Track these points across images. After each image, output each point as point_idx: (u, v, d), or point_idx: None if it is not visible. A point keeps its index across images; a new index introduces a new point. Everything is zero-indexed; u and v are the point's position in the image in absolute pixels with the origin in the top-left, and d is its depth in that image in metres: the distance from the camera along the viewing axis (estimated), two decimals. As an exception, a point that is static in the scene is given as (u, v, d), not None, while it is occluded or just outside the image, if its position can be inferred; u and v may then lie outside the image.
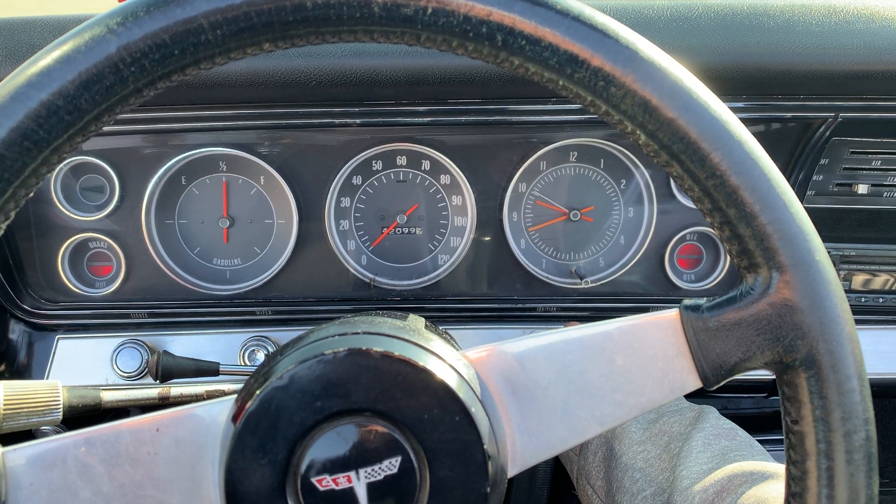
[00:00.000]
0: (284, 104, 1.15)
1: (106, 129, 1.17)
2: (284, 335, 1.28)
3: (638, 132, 0.55)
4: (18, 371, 1.25)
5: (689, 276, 1.39)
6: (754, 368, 0.56)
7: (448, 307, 1.33)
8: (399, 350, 0.55)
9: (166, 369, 0.92)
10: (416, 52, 1.06)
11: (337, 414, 0.54)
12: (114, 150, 1.22)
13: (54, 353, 1.26)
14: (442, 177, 1.31)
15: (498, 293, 1.34)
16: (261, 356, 1.22)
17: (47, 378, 1.23)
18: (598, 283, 1.34)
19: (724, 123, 0.53)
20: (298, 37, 0.52)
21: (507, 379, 0.59)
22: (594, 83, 0.53)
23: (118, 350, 1.23)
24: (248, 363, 1.22)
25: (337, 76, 1.05)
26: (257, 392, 0.54)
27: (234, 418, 0.55)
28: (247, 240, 1.31)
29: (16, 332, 1.27)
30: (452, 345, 0.62)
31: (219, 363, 0.98)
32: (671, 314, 0.58)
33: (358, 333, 0.57)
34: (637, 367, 0.58)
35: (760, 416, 1.77)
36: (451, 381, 0.55)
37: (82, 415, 0.72)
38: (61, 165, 1.22)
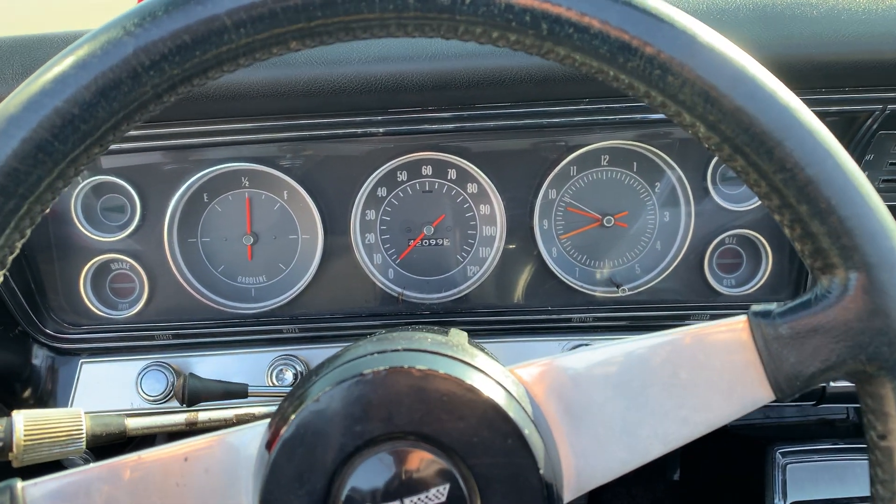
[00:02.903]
0: (306, 115, 1.12)
1: (125, 145, 1.15)
2: (312, 353, 1.24)
3: (697, 124, 0.50)
4: (42, 397, 1.23)
5: (728, 280, 1.33)
6: (834, 379, 0.51)
7: (479, 320, 1.29)
8: (443, 368, 0.50)
9: (193, 393, 0.88)
10: (443, 55, 1.02)
11: (379, 438, 0.50)
12: (134, 168, 1.20)
13: (78, 377, 1.23)
14: (469, 185, 1.27)
15: (530, 304, 1.30)
16: (289, 375, 1.18)
17: (72, 404, 1.20)
18: (636, 291, 1.28)
19: (794, 112, 0.49)
20: (327, 33, 0.49)
21: (560, 396, 0.54)
22: (649, 72, 0.49)
23: (143, 373, 1.20)
24: (276, 383, 1.18)
25: (361, 83, 1.02)
26: (292, 416, 0.50)
27: (269, 445, 0.51)
28: (271, 256, 1.28)
29: (39, 357, 1.24)
30: (498, 360, 0.57)
31: (247, 385, 0.94)
32: (738, 322, 0.53)
33: (398, 350, 0.53)
34: (703, 380, 0.53)
35: (804, 426, 1.70)
36: (502, 400, 0.50)
37: (107, 444, 0.68)
38: (81, 185, 1.19)
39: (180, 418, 0.70)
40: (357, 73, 1.01)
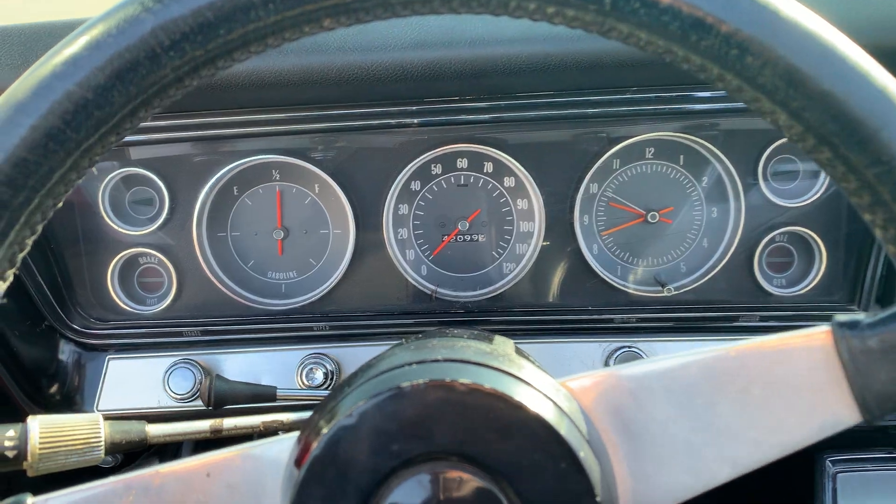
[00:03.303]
0: (339, 105, 1.08)
1: (153, 136, 1.12)
2: (343, 352, 1.20)
3: (778, 112, 0.45)
4: (69, 394, 1.21)
5: (779, 280, 1.26)
6: None
7: (515, 319, 1.24)
8: (489, 381, 0.46)
9: (219, 395, 0.85)
10: (483, 41, 0.97)
11: (417, 459, 0.45)
12: (162, 160, 1.17)
13: (105, 374, 1.21)
14: (506, 179, 1.22)
15: (570, 303, 1.24)
16: (319, 375, 1.14)
17: (98, 401, 1.18)
18: (681, 291, 1.22)
19: (892, 97, 0.43)
20: (364, 10, 0.44)
21: (617, 413, 0.49)
22: (725, 52, 0.43)
23: (170, 371, 1.17)
24: (306, 383, 1.14)
25: (397, 71, 0.97)
26: (323, 431, 0.45)
27: (298, 462, 0.47)
28: (302, 251, 1.24)
29: (65, 352, 1.22)
30: (547, 372, 0.52)
31: (275, 388, 0.90)
32: (819, 333, 0.48)
33: (438, 361, 0.48)
34: (778, 397, 0.48)
35: (856, 431, 1.62)
36: (554, 418, 0.45)
37: (126, 451, 0.65)
38: (109, 177, 1.17)
39: (204, 425, 0.66)
40: (393, 60, 0.97)
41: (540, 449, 0.44)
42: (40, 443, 0.54)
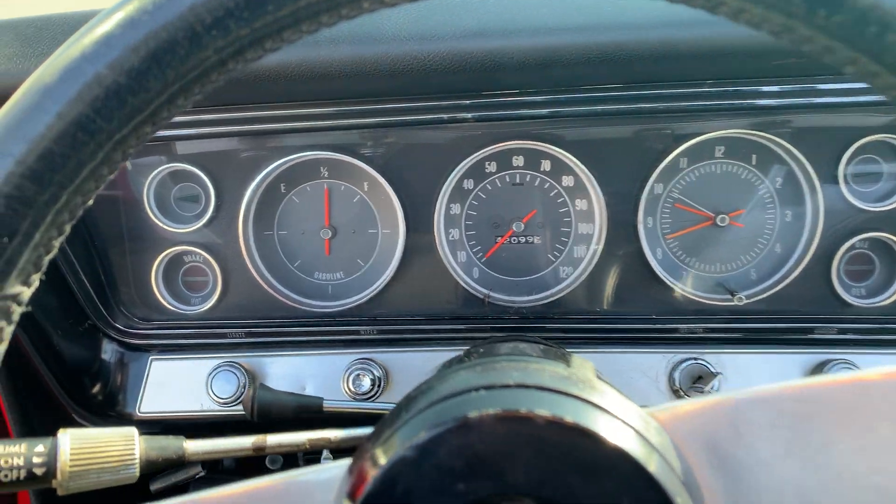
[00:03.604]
0: (390, 99, 1.03)
1: (200, 131, 1.08)
2: (391, 357, 1.15)
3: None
4: (111, 393, 1.18)
5: (858, 290, 1.17)
6: None
7: (572, 327, 1.17)
8: (570, 413, 0.39)
9: (263, 406, 0.80)
10: (548, 29, 0.90)
11: (487, 500, 0.39)
12: (208, 156, 1.13)
13: (147, 374, 1.18)
14: (564, 178, 1.15)
15: (631, 311, 1.17)
16: (366, 382, 1.10)
17: (140, 402, 1.15)
18: (752, 300, 1.14)
19: None
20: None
21: (715, 450, 0.42)
22: (860, 30, 0.36)
23: (214, 373, 1.13)
24: (352, 390, 1.10)
25: (454, 62, 0.91)
26: (380, 463, 0.40)
27: (351, 496, 0.41)
28: (350, 252, 1.19)
29: (108, 352, 1.19)
30: (631, 400, 0.46)
31: (322, 399, 0.85)
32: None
33: (509, 386, 0.42)
34: (911, 439, 0.40)
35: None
36: (644, 456, 0.39)
37: (162, 469, 0.60)
38: (154, 173, 1.13)
39: (247, 442, 0.62)
40: (450, 50, 0.91)
41: (629, 493, 0.38)
42: (71, 459, 0.50)
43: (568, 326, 1.17)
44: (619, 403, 0.42)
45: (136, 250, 1.18)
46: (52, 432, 0.56)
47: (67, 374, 1.14)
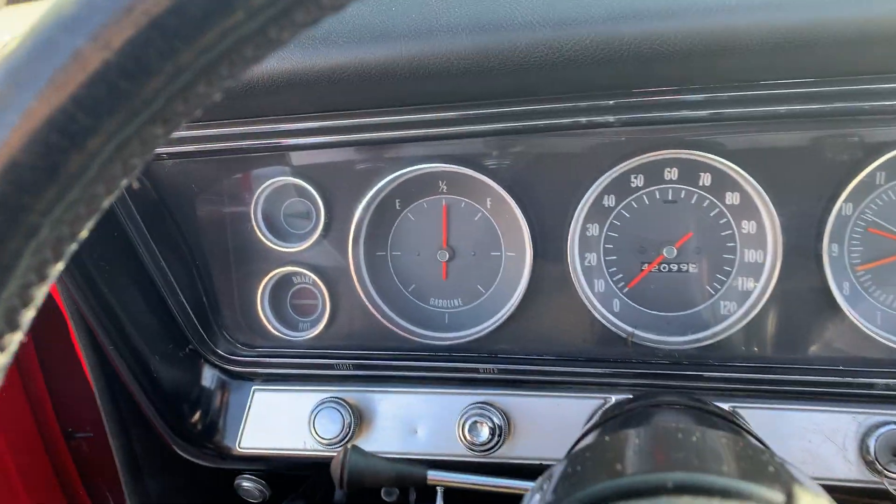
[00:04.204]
0: (518, 100, 0.91)
1: (310, 140, 0.98)
2: (514, 402, 1.03)
3: None
4: (211, 422, 1.12)
5: None
6: None
7: (735, 377, 1.01)
8: None
9: (355, 473, 0.67)
10: (725, 7, 0.73)
11: None
12: (319, 167, 1.06)
13: (250, 405, 1.11)
14: (728, 195, 1.00)
15: (811, 359, 1.00)
16: (485, 431, 0.96)
17: (241, 435, 1.07)
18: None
19: None
20: None
21: None
22: None
23: (318, 409, 1.05)
24: (468, 439, 0.96)
25: (600, 51, 0.76)
26: None
27: None
28: (469, 277, 1.09)
29: (208, 378, 1.13)
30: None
31: (426, 470, 0.71)
32: None
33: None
34: None
35: None
36: None
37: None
38: (262, 187, 1.05)
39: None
40: (596, 35, 0.76)
41: None
42: None
43: (730, 376, 1.01)
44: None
45: (242, 271, 1.11)
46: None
47: (166, 400, 1.10)
